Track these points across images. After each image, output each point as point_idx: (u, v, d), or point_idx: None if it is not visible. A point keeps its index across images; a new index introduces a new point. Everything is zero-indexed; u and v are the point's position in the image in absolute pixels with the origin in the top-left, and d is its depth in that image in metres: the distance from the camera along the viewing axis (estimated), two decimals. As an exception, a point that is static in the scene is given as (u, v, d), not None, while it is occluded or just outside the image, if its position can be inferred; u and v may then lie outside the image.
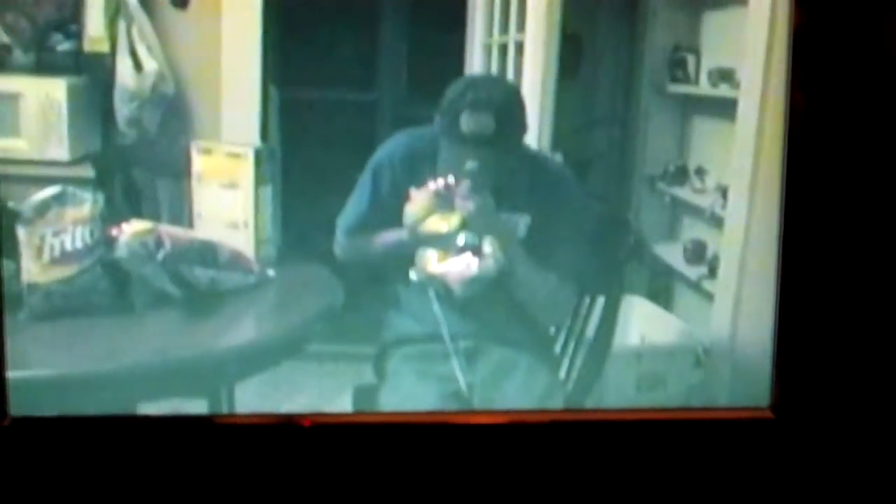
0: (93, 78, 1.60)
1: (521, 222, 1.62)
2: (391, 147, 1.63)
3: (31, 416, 1.37)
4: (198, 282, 1.58)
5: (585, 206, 1.67)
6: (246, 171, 1.63)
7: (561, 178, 1.70)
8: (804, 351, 1.43)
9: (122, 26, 1.58)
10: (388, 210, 1.61)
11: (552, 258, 1.62)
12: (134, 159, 1.62)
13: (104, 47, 1.59)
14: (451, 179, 1.57)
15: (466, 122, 1.55)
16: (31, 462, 1.37)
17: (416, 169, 1.60)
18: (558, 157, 1.73)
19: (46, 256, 1.50)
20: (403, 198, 1.60)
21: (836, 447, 1.45)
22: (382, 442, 1.42)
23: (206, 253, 1.59)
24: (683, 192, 1.74)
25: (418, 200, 1.59)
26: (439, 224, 1.58)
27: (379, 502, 1.43)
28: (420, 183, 1.59)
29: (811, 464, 1.45)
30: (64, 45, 1.58)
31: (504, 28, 1.76)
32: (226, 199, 1.64)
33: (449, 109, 1.57)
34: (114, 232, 1.53)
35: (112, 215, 1.55)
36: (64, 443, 1.38)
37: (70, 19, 1.57)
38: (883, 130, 1.39)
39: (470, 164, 1.57)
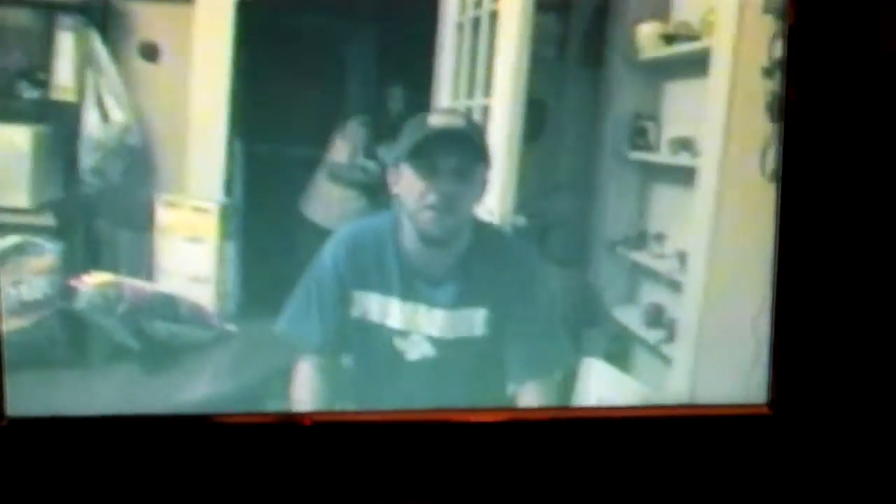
0: (58, 126, 1.58)
1: (478, 318, 1.60)
2: (332, 252, 1.61)
3: (28, 417, 1.33)
4: (158, 335, 1.56)
5: (548, 282, 1.67)
6: (211, 225, 1.62)
7: (522, 256, 1.70)
8: (801, 348, 1.45)
9: (90, 76, 1.58)
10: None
11: (520, 341, 1.62)
12: (96, 209, 1.60)
13: (71, 96, 1.58)
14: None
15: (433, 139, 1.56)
16: (29, 463, 1.34)
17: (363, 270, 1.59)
18: (521, 221, 1.74)
19: (2, 307, 1.47)
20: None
21: (833, 443, 1.47)
22: (383, 439, 1.40)
23: (167, 306, 1.58)
24: (643, 257, 1.77)
25: None
26: None
27: (379, 499, 1.40)
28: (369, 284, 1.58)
29: (808, 460, 1.46)
30: (30, 93, 1.56)
31: (470, 93, 1.78)
32: (189, 252, 1.62)
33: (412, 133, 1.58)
34: (74, 283, 1.50)
35: (72, 266, 1.53)
36: (62, 443, 1.34)
37: (38, 67, 1.56)
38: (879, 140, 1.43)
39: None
